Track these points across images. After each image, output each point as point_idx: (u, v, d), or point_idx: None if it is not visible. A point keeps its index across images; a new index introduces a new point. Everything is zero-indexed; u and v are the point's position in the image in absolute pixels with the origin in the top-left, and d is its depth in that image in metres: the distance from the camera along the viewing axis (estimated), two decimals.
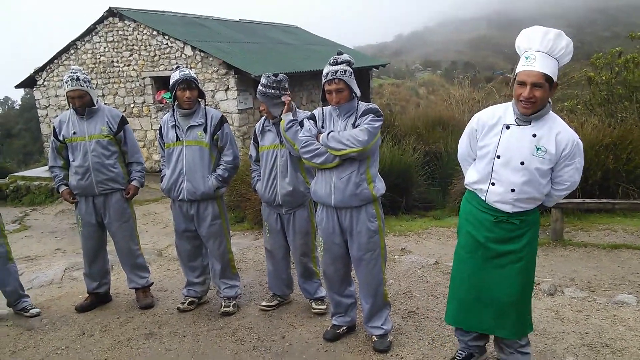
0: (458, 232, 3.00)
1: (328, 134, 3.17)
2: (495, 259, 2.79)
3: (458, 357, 3.11)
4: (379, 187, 3.29)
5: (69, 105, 4.04)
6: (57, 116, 4.18)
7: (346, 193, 3.17)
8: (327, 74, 3.16)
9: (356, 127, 3.15)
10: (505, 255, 2.76)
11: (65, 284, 4.95)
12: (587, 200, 5.57)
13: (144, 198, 9.65)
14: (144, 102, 13.67)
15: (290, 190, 3.69)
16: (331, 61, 3.18)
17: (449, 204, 7.31)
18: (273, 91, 3.62)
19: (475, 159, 2.86)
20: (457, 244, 2.98)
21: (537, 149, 2.57)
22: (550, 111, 2.63)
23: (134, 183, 4.18)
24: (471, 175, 2.85)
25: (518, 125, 2.62)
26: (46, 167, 14.92)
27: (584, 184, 6.16)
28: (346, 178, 3.17)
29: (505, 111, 2.69)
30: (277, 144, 3.71)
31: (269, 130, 3.77)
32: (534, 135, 2.58)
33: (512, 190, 2.64)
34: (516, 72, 2.57)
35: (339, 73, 3.13)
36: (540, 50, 2.50)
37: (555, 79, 2.52)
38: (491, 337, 3.06)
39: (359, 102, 3.26)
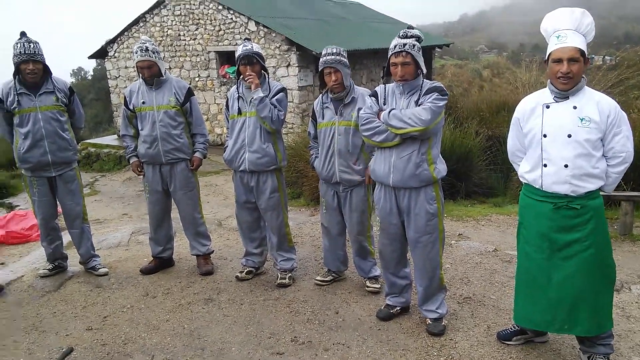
0: (519, 228, 2.95)
1: (389, 111, 3.12)
2: (561, 251, 2.72)
3: (509, 330, 3.16)
4: (440, 168, 3.22)
5: (138, 76, 4.19)
6: (126, 86, 4.37)
7: (405, 173, 3.13)
8: (395, 46, 3.10)
9: (419, 106, 3.10)
10: (571, 245, 2.69)
11: (131, 247, 5.22)
12: None
13: (206, 170, 9.93)
14: (208, 76, 13.98)
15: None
16: (401, 34, 3.12)
17: (510, 191, 7.11)
18: (340, 57, 3.59)
19: (525, 154, 2.89)
20: (521, 240, 2.93)
21: (582, 120, 2.61)
22: (585, 86, 2.68)
23: (197, 155, 4.31)
24: (524, 166, 2.88)
25: (557, 102, 2.69)
26: (115, 136, 15.71)
27: None
28: (406, 158, 3.12)
29: (542, 94, 2.78)
30: (334, 120, 3.70)
31: (327, 107, 3.76)
32: (575, 108, 2.63)
33: (566, 166, 2.64)
34: (549, 51, 2.65)
35: (407, 46, 3.06)
36: (569, 28, 2.62)
37: (586, 54, 2.61)
38: None
39: (424, 80, 3.20)
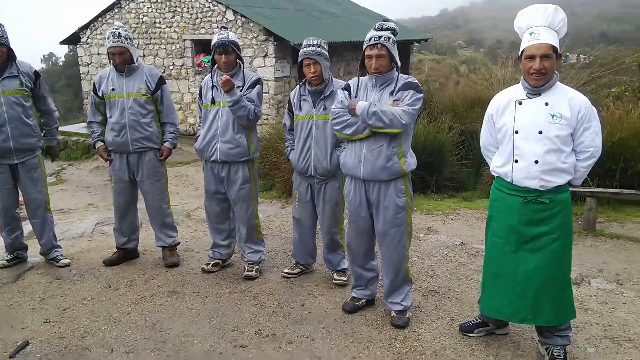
0: (489, 220, 2.99)
1: (369, 109, 3.04)
2: (529, 243, 2.77)
3: (471, 322, 3.21)
4: (410, 162, 3.24)
5: (110, 62, 4.09)
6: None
7: (376, 166, 3.13)
8: (370, 38, 3.08)
9: (396, 101, 3.07)
10: (538, 238, 2.75)
11: (95, 238, 5.12)
12: (625, 190, 5.36)
13: (176, 160, 9.80)
14: (183, 64, 13.77)
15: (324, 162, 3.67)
16: (376, 26, 3.11)
17: (480, 186, 7.18)
18: (320, 49, 3.55)
19: (497, 148, 2.92)
20: (490, 232, 2.97)
21: (553, 116, 2.65)
22: (558, 82, 2.72)
23: (166, 144, 4.23)
24: (496, 161, 2.91)
25: (529, 98, 2.72)
26: (85, 124, 15.33)
27: (623, 174, 5.94)
28: (377, 151, 3.13)
29: (515, 90, 2.82)
30: (312, 114, 3.67)
31: (305, 99, 3.72)
32: (546, 104, 2.67)
33: (536, 162, 2.68)
34: (522, 48, 2.69)
35: (382, 39, 3.05)
36: (542, 25, 2.65)
37: (559, 50, 2.66)
38: None
39: (399, 73, 3.18)
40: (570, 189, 2.81)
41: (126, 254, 4.41)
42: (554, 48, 2.61)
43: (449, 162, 7.58)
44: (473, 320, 3.24)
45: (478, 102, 10.29)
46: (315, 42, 3.57)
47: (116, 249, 4.42)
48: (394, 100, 3.10)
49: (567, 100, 2.66)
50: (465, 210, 6.11)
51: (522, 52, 2.69)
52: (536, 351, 3.02)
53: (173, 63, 13.88)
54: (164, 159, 4.24)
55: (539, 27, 2.65)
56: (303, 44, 3.60)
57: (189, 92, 13.82)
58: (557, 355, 2.85)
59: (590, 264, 4.34)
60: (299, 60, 3.64)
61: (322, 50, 3.58)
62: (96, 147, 4.26)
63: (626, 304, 3.64)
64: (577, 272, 4.08)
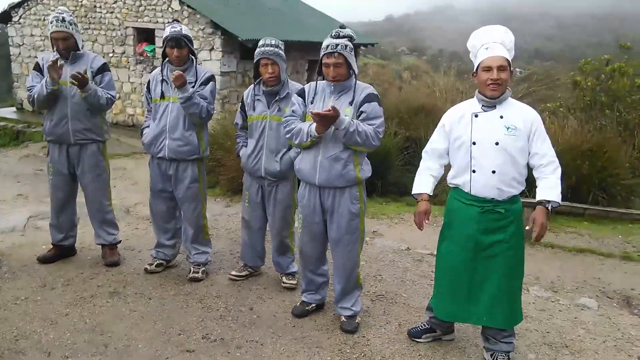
0: (444, 228, 3.05)
1: (349, 127, 2.97)
2: (485, 251, 2.88)
3: (419, 328, 3.28)
4: (366, 169, 3.27)
5: (53, 48, 3.85)
6: (30, 56, 3.97)
7: (332, 173, 3.13)
8: (328, 46, 3.06)
9: (363, 113, 3.09)
10: (494, 246, 2.87)
11: (28, 233, 4.81)
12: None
13: (115, 152, 9.38)
14: (124, 52, 13.22)
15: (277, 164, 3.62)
16: (333, 34, 3.09)
17: None
18: (278, 50, 3.51)
19: (444, 154, 3.02)
20: (446, 240, 3.03)
21: (508, 128, 2.78)
22: (510, 97, 2.86)
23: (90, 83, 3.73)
24: (451, 173, 3.00)
25: (485, 111, 2.84)
26: (13, 109, 14.42)
27: None
28: (333, 157, 3.12)
29: (470, 104, 2.93)
30: (266, 114, 3.61)
31: (258, 99, 3.66)
32: (501, 117, 2.80)
33: (493, 172, 2.79)
34: (479, 61, 2.80)
35: (339, 47, 3.04)
36: (496, 42, 2.81)
37: (510, 67, 2.80)
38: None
39: (357, 81, 3.18)
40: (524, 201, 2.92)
41: (62, 251, 4.16)
42: (508, 61, 2.77)
43: (394, 167, 7.71)
44: (421, 326, 3.30)
45: (422, 109, 10.54)
46: (273, 42, 3.52)
47: (52, 246, 4.16)
48: (361, 113, 3.11)
49: (519, 113, 2.82)
50: (409, 215, 6.22)
51: (478, 65, 2.81)
52: (481, 357, 3.12)
53: (113, 50, 13.29)
54: (74, 77, 3.63)
55: (492, 42, 2.81)
56: (260, 43, 3.55)
57: (129, 81, 13.29)
58: None
59: (528, 272, 4.51)
60: (256, 60, 3.57)
61: (280, 51, 3.54)
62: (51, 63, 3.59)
63: (562, 311, 3.84)
64: None
